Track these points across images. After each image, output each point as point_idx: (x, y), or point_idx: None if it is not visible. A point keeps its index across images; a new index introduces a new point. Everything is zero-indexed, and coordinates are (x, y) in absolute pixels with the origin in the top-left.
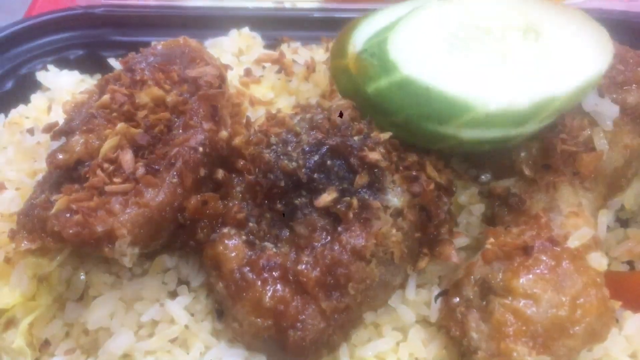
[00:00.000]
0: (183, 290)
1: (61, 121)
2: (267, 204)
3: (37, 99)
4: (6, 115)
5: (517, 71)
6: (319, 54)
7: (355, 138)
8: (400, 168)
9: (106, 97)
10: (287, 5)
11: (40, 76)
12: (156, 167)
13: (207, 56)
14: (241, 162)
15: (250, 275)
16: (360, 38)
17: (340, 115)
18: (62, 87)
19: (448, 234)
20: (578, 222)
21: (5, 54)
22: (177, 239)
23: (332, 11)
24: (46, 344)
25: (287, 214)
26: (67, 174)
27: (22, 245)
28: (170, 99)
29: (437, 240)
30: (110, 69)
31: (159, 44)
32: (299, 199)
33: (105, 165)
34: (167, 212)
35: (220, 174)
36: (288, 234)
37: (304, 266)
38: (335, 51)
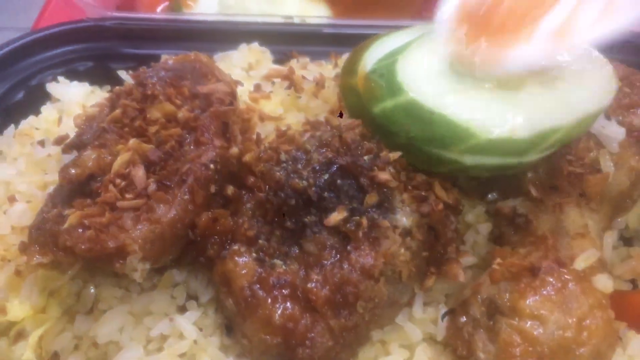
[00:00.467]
0: (192, 305)
1: (71, 133)
2: (277, 221)
3: (47, 110)
4: (16, 126)
5: (521, 101)
6: (328, 69)
7: (365, 157)
8: (409, 187)
9: (118, 112)
10: (297, 20)
11: (51, 87)
12: (167, 183)
13: (218, 72)
14: (251, 179)
15: (260, 292)
16: (371, 58)
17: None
18: (72, 98)
19: (455, 252)
20: (584, 244)
21: (16, 65)
22: (187, 254)
23: (341, 27)
24: (55, 356)
25: (297, 232)
26: (78, 187)
27: (35, 259)
28: (182, 114)
29: (444, 259)
30: (119, 81)
31: (170, 59)
32: (309, 217)
33: (117, 180)
34: (178, 229)
35: (230, 190)
36: (297, 251)
37: (313, 284)
38: (346, 70)
